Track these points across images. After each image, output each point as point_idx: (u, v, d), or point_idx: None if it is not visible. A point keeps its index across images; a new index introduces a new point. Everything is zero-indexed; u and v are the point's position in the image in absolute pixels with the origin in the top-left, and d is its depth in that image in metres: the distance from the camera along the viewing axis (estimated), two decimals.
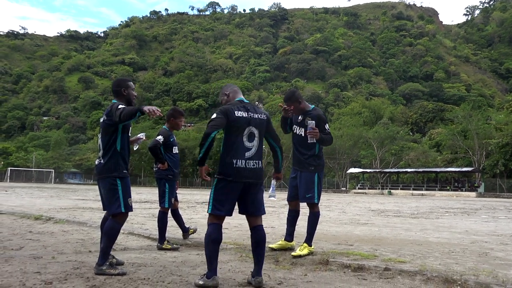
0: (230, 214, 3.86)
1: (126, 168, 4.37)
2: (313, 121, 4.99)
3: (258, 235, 3.91)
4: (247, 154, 3.84)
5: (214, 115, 3.83)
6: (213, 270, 3.72)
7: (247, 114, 3.88)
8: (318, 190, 5.19)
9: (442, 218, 12.28)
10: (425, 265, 4.62)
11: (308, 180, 5.17)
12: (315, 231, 5.28)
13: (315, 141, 5.04)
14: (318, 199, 5.21)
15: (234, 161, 3.79)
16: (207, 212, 3.90)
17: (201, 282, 3.71)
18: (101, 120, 4.37)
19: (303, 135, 5.19)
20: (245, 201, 3.90)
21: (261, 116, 3.95)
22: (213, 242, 3.75)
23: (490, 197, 45.92)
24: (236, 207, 3.98)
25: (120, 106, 4.13)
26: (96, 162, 4.40)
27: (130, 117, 3.97)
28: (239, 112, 3.85)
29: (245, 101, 4.02)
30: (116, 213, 4.23)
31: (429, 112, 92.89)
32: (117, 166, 4.28)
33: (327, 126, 5.19)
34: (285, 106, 5.15)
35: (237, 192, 3.83)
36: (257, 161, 3.88)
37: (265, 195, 4.57)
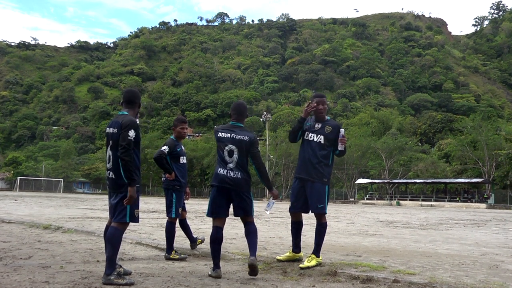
0: (221, 216, 4.70)
1: (138, 181, 4.38)
2: (343, 129, 5.24)
3: (249, 228, 4.77)
4: (229, 165, 4.69)
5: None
6: (216, 265, 4.61)
7: (230, 135, 4.74)
8: (327, 201, 5.27)
9: (451, 230, 12.17)
10: (434, 277, 4.58)
11: (321, 191, 5.18)
12: (322, 242, 5.27)
13: (343, 149, 5.21)
14: (326, 210, 5.25)
15: (218, 170, 4.73)
16: (206, 216, 4.74)
17: (209, 273, 4.66)
18: (112, 131, 4.34)
19: (322, 142, 5.21)
20: (234, 206, 4.75)
21: (243, 137, 4.72)
22: (214, 242, 4.64)
23: (500, 208, 45.47)
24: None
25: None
26: (109, 175, 4.37)
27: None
28: (222, 133, 4.78)
29: (237, 124, 4.83)
30: (120, 222, 4.26)
31: (438, 122, 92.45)
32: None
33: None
34: (314, 103, 5.25)
35: (224, 197, 4.68)
36: (237, 172, 4.68)
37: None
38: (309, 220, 5.66)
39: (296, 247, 5.49)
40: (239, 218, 4.78)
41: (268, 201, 5.19)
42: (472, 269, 5.25)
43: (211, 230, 4.65)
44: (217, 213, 4.67)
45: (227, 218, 4.82)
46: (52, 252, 6.04)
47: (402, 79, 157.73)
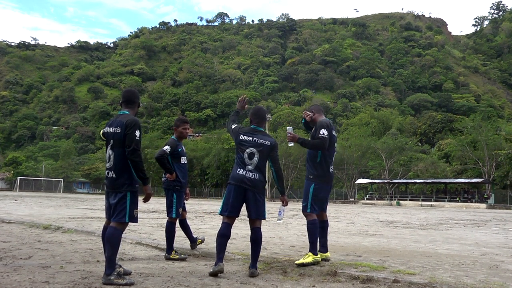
0: (233, 215, 4.80)
1: (137, 181, 4.36)
2: (291, 127, 5.43)
3: (254, 235, 4.83)
4: (248, 167, 4.84)
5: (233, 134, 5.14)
6: (219, 259, 4.66)
7: (252, 138, 4.90)
8: (312, 200, 5.28)
9: (451, 230, 12.16)
10: (434, 277, 4.58)
11: (307, 188, 5.36)
12: (316, 240, 5.29)
13: (292, 145, 5.42)
14: (312, 208, 5.28)
15: (238, 170, 4.86)
16: (218, 213, 4.76)
17: (211, 270, 4.66)
18: (114, 130, 4.32)
19: None
20: (247, 206, 4.81)
21: (265, 141, 4.89)
22: (221, 237, 4.74)
23: (500, 208, 45.46)
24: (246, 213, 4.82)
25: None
26: (108, 175, 4.36)
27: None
28: (244, 136, 4.94)
29: (258, 128, 5.01)
30: (120, 222, 4.25)
31: (438, 122, 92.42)
32: (129, 180, 4.29)
33: (322, 131, 5.28)
34: (307, 112, 5.64)
35: (240, 196, 4.78)
36: (255, 174, 4.82)
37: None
38: (303, 219, 5.64)
39: (322, 246, 5.53)
40: (239, 218, 4.81)
41: (279, 209, 5.26)
42: (472, 269, 5.25)
43: (212, 231, 4.64)
44: (230, 211, 4.78)
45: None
46: (52, 252, 6.04)
47: (402, 79, 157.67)
